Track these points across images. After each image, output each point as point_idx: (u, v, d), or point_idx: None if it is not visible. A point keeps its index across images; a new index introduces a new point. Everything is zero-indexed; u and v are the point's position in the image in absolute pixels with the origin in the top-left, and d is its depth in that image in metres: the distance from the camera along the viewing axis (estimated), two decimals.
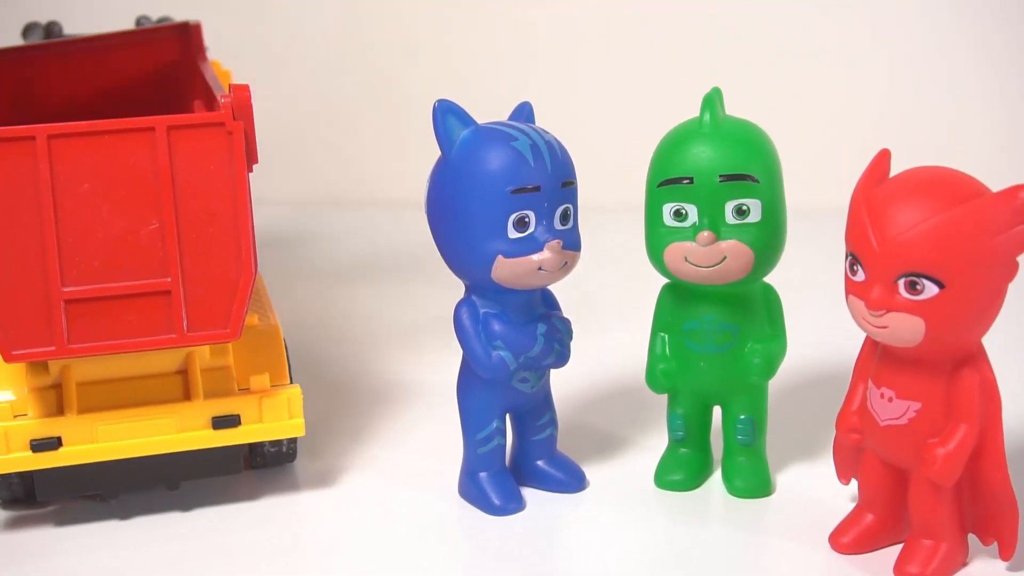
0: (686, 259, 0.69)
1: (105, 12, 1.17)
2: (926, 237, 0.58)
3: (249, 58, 1.41)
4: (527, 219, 0.68)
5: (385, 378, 0.95)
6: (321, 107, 1.56)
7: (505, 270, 0.68)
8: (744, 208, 0.68)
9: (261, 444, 0.77)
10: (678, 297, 0.73)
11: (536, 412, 0.75)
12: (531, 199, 0.67)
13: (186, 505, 0.76)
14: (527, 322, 0.71)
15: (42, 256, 0.68)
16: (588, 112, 1.47)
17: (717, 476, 0.76)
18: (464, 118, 0.69)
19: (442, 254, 0.71)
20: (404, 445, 0.83)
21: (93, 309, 0.69)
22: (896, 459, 0.65)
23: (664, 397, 0.76)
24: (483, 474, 0.74)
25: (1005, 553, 0.64)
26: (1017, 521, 0.64)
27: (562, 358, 0.73)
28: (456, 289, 0.72)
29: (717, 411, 0.76)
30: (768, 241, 0.69)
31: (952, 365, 0.62)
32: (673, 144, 0.70)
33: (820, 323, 0.92)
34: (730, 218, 0.68)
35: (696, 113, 0.70)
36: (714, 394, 0.74)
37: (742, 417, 0.74)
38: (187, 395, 0.73)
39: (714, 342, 0.72)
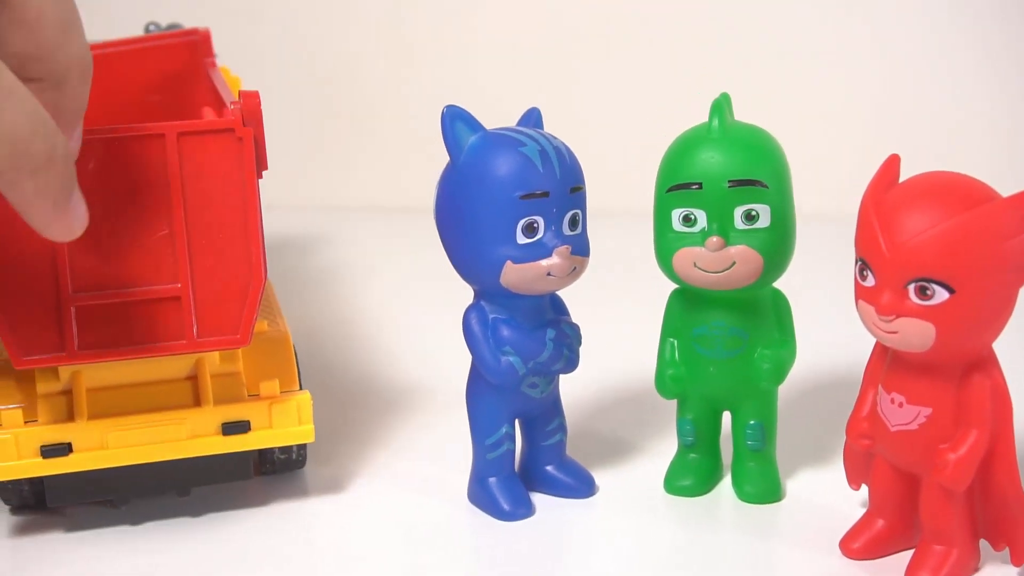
0: (695, 264, 0.69)
1: (114, 19, 1.17)
2: (936, 242, 0.58)
3: (258, 64, 1.41)
4: (536, 224, 0.68)
5: (394, 384, 0.95)
6: (328, 113, 1.56)
7: (514, 275, 0.68)
8: (753, 213, 0.68)
9: (271, 450, 0.77)
10: (687, 302, 0.73)
11: (545, 417, 0.75)
12: (540, 205, 0.67)
13: (196, 511, 0.76)
14: (536, 327, 0.71)
15: (52, 262, 0.68)
16: (593, 117, 1.47)
17: (727, 481, 0.76)
18: (472, 124, 0.69)
19: (451, 260, 0.71)
20: (413, 451, 0.83)
21: (103, 315, 0.69)
22: (907, 464, 0.65)
23: (673, 402, 0.76)
24: (492, 479, 0.74)
25: (1017, 558, 0.64)
26: None
27: (571, 363, 0.73)
28: (465, 295, 0.72)
29: (726, 416, 0.76)
30: (777, 246, 0.69)
31: (963, 370, 0.61)
32: (682, 149, 0.70)
33: (828, 328, 0.91)
34: (739, 223, 0.68)
35: (704, 118, 0.70)
36: (723, 399, 0.74)
37: (752, 422, 0.74)
38: (197, 401, 0.73)
39: (723, 347, 0.72)
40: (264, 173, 0.71)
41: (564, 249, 0.68)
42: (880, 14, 1.42)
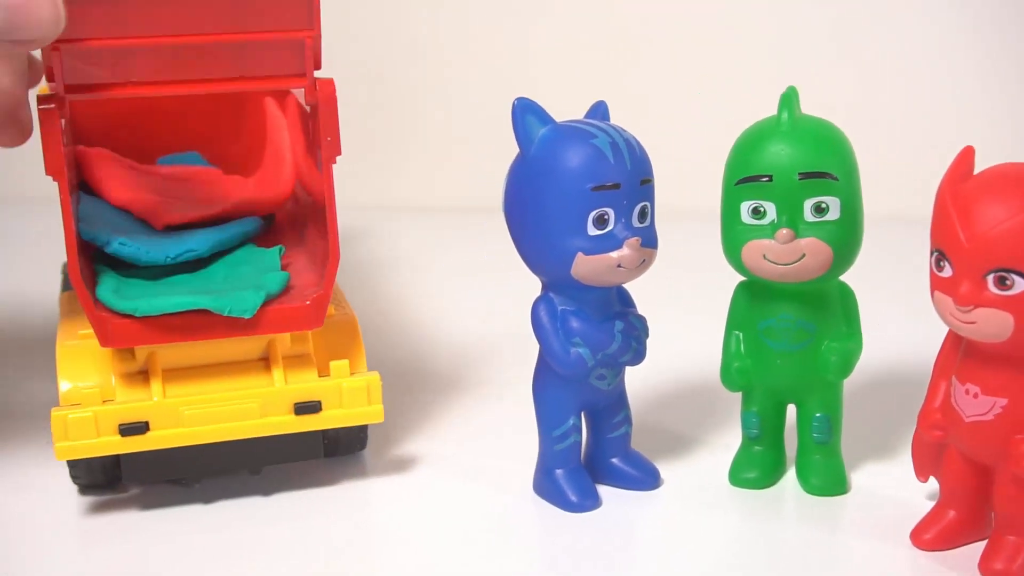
0: (764, 256, 0.69)
1: None
2: (1016, 232, 0.58)
3: None
4: (607, 216, 0.68)
5: (456, 372, 0.96)
6: (369, 114, 1.57)
7: (585, 267, 0.68)
8: (823, 206, 0.68)
9: (335, 431, 0.78)
10: (753, 295, 0.73)
11: (612, 409, 0.75)
12: (611, 196, 0.68)
13: (266, 490, 0.77)
14: (604, 319, 0.71)
15: None
16: (653, 114, 1.47)
17: (791, 474, 0.77)
18: (543, 116, 0.70)
19: (520, 252, 0.71)
20: (475, 440, 0.84)
21: None
22: (981, 455, 0.65)
23: (737, 395, 0.76)
24: (559, 471, 0.74)
25: None
26: None
27: (639, 355, 0.73)
28: (526, 286, 0.72)
29: (790, 409, 0.76)
30: (846, 238, 0.69)
31: None
32: (751, 142, 0.70)
33: (890, 322, 0.91)
34: (809, 216, 0.69)
35: (761, 116, 0.71)
36: (789, 392, 0.74)
37: (818, 415, 0.74)
38: (270, 381, 0.74)
39: (790, 340, 0.72)
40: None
41: (634, 241, 0.68)
42: (934, 12, 1.42)
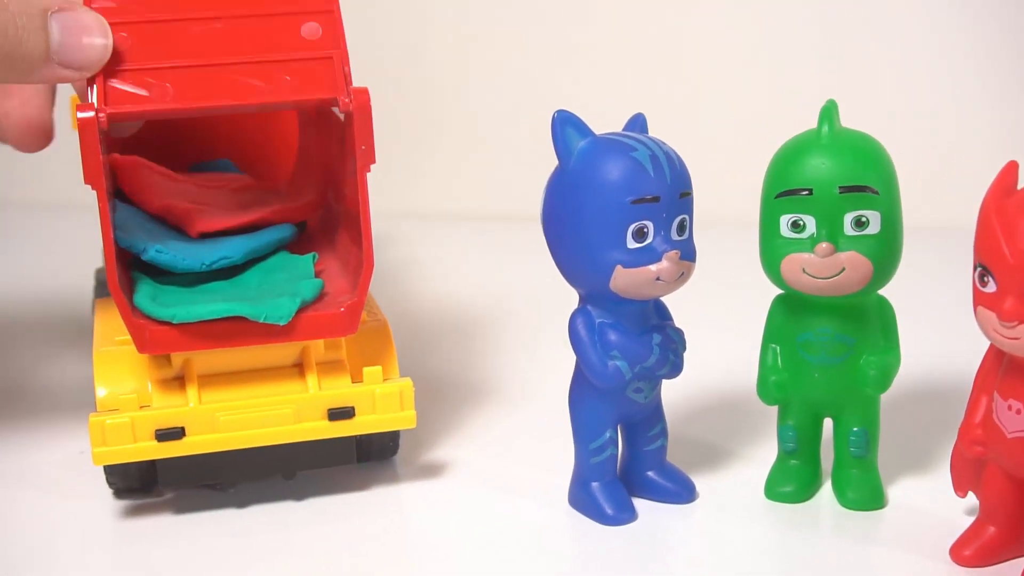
0: (804, 270, 0.69)
1: None
2: None
3: None
4: (646, 229, 0.68)
5: (490, 382, 0.96)
6: (395, 121, 1.57)
7: (624, 280, 0.68)
8: (863, 219, 0.68)
9: (368, 437, 0.78)
10: (790, 309, 0.73)
11: (648, 423, 0.75)
12: (650, 209, 0.68)
13: (299, 495, 0.77)
14: (642, 332, 0.71)
15: None
16: (694, 125, 1.47)
17: (827, 488, 0.76)
18: (582, 128, 0.70)
19: (558, 264, 0.71)
20: (509, 451, 0.84)
21: None
22: (1023, 471, 0.64)
23: (773, 409, 0.76)
24: (595, 484, 0.74)
25: None
26: None
27: (676, 368, 0.73)
28: (561, 297, 0.72)
29: (827, 423, 0.76)
30: (886, 252, 0.69)
31: None
32: (791, 155, 0.70)
33: (928, 336, 0.91)
34: (849, 229, 0.68)
35: (798, 130, 0.71)
36: (827, 405, 0.74)
37: (855, 429, 0.74)
38: (304, 388, 0.75)
39: (828, 353, 0.72)
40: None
41: (674, 254, 0.68)
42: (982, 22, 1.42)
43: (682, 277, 0.69)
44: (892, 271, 0.71)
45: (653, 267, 0.68)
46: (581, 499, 0.74)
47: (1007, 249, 0.59)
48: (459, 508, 0.76)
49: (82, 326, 1.01)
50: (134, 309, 0.72)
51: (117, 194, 0.85)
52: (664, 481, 0.76)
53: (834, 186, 0.68)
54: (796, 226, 0.69)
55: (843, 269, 0.68)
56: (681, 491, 0.75)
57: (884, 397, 0.74)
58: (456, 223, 1.48)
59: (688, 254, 0.69)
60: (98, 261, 0.95)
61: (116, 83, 0.70)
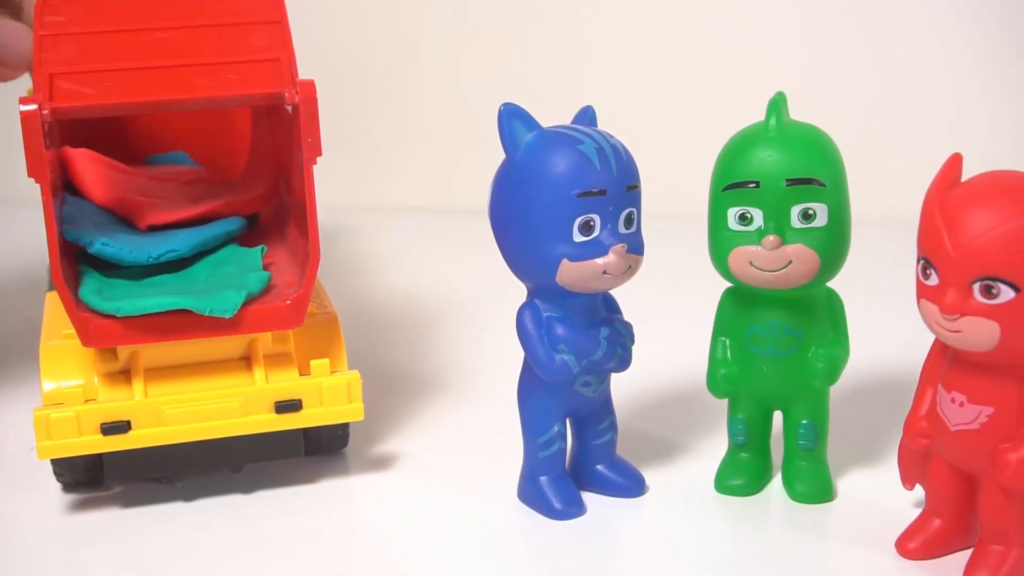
0: (751, 263, 0.69)
1: None
2: (1002, 241, 0.58)
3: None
4: (592, 223, 0.67)
5: (439, 375, 0.96)
6: (347, 112, 1.56)
7: (570, 274, 0.68)
8: (810, 212, 0.68)
9: (316, 429, 0.78)
10: (740, 302, 0.73)
11: (597, 416, 0.75)
12: (597, 203, 0.67)
13: (248, 488, 0.77)
14: (590, 326, 0.71)
15: None
16: (643, 118, 1.46)
17: (777, 481, 0.76)
18: (529, 122, 0.69)
19: (505, 257, 0.71)
20: (457, 445, 0.83)
21: None
22: (966, 464, 0.64)
23: (724, 402, 0.76)
24: (544, 478, 0.73)
25: None
26: None
27: (624, 362, 0.72)
28: (513, 288, 0.72)
29: (777, 416, 0.76)
30: (834, 245, 0.69)
31: None
32: (739, 148, 0.70)
33: (876, 328, 0.91)
34: (796, 222, 0.68)
35: (749, 119, 0.71)
36: (776, 399, 0.74)
37: (804, 422, 0.74)
38: (251, 380, 0.74)
39: (777, 346, 0.72)
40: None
41: (620, 247, 0.68)
42: (930, 15, 1.42)
43: (629, 270, 0.69)
44: (840, 264, 0.71)
45: (600, 260, 0.68)
46: (530, 493, 0.74)
47: (948, 242, 0.59)
48: (409, 502, 0.76)
49: (36, 321, 1.00)
50: (79, 303, 0.72)
51: (68, 187, 0.85)
52: (613, 475, 0.75)
53: (781, 179, 0.68)
54: (744, 219, 0.69)
55: (790, 262, 0.68)
56: (631, 485, 0.75)
57: (833, 390, 0.74)
58: (410, 216, 1.48)
59: (635, 247, 0.69)
60: None
61: (62, 82, 0.70)
